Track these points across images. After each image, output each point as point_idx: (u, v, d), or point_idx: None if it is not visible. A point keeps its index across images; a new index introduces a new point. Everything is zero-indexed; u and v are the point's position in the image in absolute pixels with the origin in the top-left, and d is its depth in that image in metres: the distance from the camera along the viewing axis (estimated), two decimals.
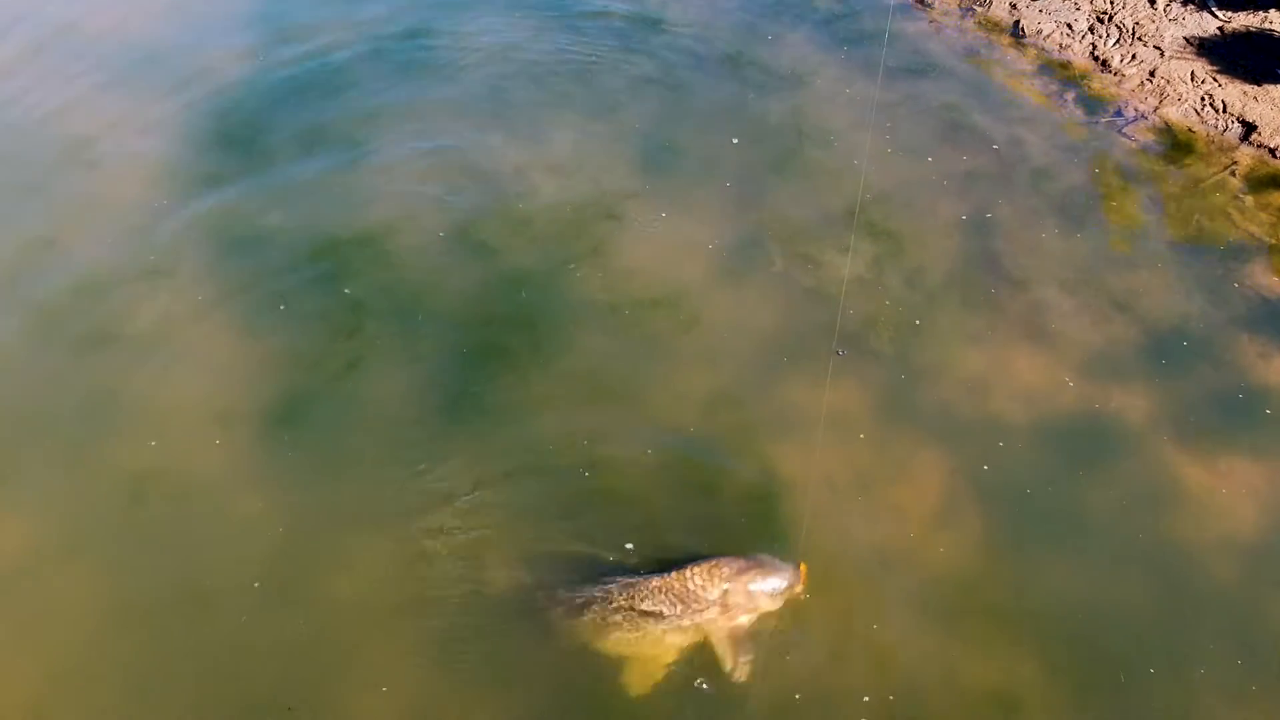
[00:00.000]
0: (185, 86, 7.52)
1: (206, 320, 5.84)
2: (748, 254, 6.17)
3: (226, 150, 6.98)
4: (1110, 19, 7.74)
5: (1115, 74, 7.34)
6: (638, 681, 4.27)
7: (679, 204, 6.49)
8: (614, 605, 4.33)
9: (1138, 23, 7.64)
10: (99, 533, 4.91)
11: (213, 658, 4.46)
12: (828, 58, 7.66)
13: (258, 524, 4.88)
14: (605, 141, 7.00)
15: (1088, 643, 4.48)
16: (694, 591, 4.30)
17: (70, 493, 5.06)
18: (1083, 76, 7.37)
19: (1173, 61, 7.31)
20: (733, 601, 4.30)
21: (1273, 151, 6.61)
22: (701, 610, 4.30)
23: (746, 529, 4.78)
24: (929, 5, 8.17)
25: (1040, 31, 7.77)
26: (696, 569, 4.35)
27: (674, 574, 4.35)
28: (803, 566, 4.42)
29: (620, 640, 4.30)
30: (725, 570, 4.33)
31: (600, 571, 4.58)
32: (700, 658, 4.36)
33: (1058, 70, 7.46)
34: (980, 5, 8.10)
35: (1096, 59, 7.48)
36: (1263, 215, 6.27)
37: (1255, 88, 7.00)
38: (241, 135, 7.10)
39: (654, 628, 4.29)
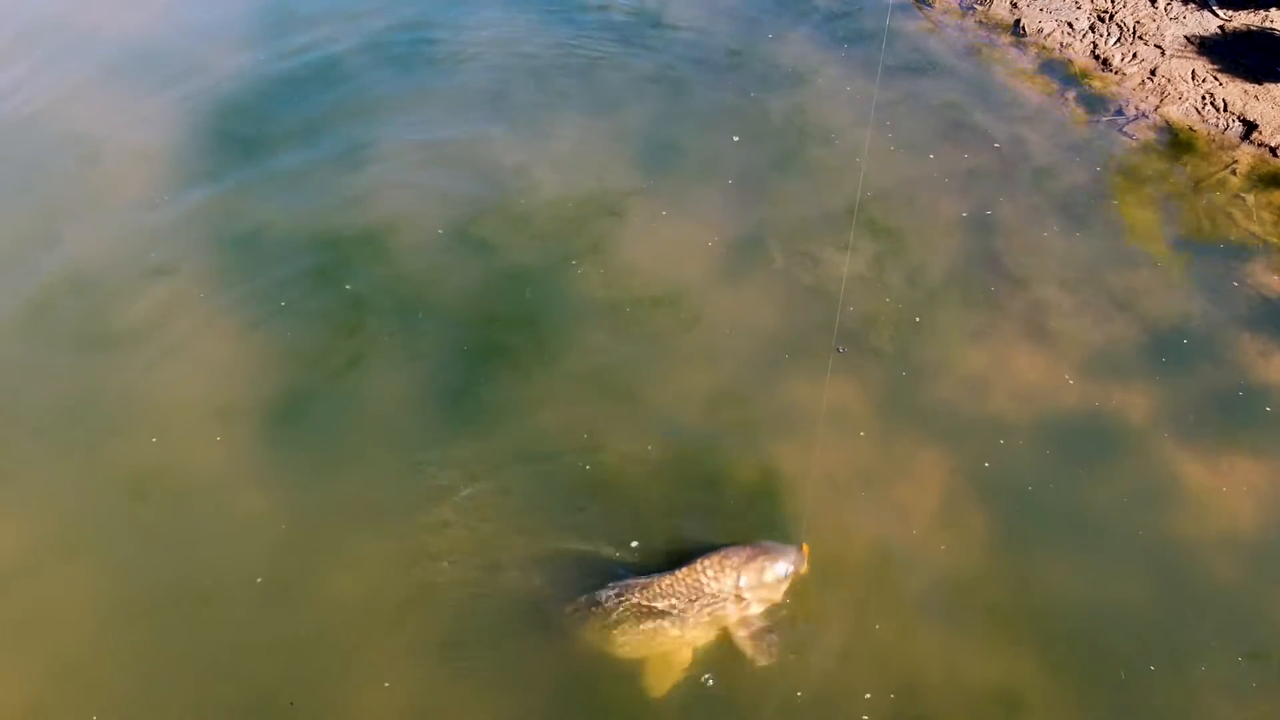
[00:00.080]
0: (184, 83, 7.53)
1: (207, 317, 5.85)
2: (748, 252, 6.17)
3: (227, 147, 6.98)
4: (1111, 18, 7.74)
5: (1116, 73, 7.34)
6: (658, 681, 4.27)
7: (680, 201, 6.49)
8: (627, 607, 4.32)
9: (1138, 21, 7.64)
10: (100, 530, 4.91)
11: (214, 654, 4.46)
12: (828, 56, 7.66)
13: (259, 521, 4.88)
14: (606, 139, 7.00)
15: (1089, 640, 4.48)
16: (706, 584, 4.32)
17: (71, 490, 5.07)
18: (1083, 75, 7.37)
19: (1173, 60, 7.32)
20: (745, 590, 4.33)
21: (1273, 150, 6.61)
22: (716, 602, 4.32)
23: (749, 522, 4.78)
24: (929, 4, 8.17)
25: (1041, 30, 7.77)
26: (706, 562, 4.36)
27: (684, 570, 4.36)
28: (805, 548, 4.47)
29: (638, 642, 4.30)
30: (734, 560, 4.36)
31: (608, 574, 4.57)
32: (708, 653, 4.37)
33: (1059, 69, 7.46)
34: (981, 4, 8.10)
35: (1097, 58, 7.48)
36: (1264, 214, 6.27)
37: (1256, 86, 7.01)
38: (241, 132, 7.10)
39: (670, 626, 4.30)
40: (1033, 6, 7.97)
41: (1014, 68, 7.51)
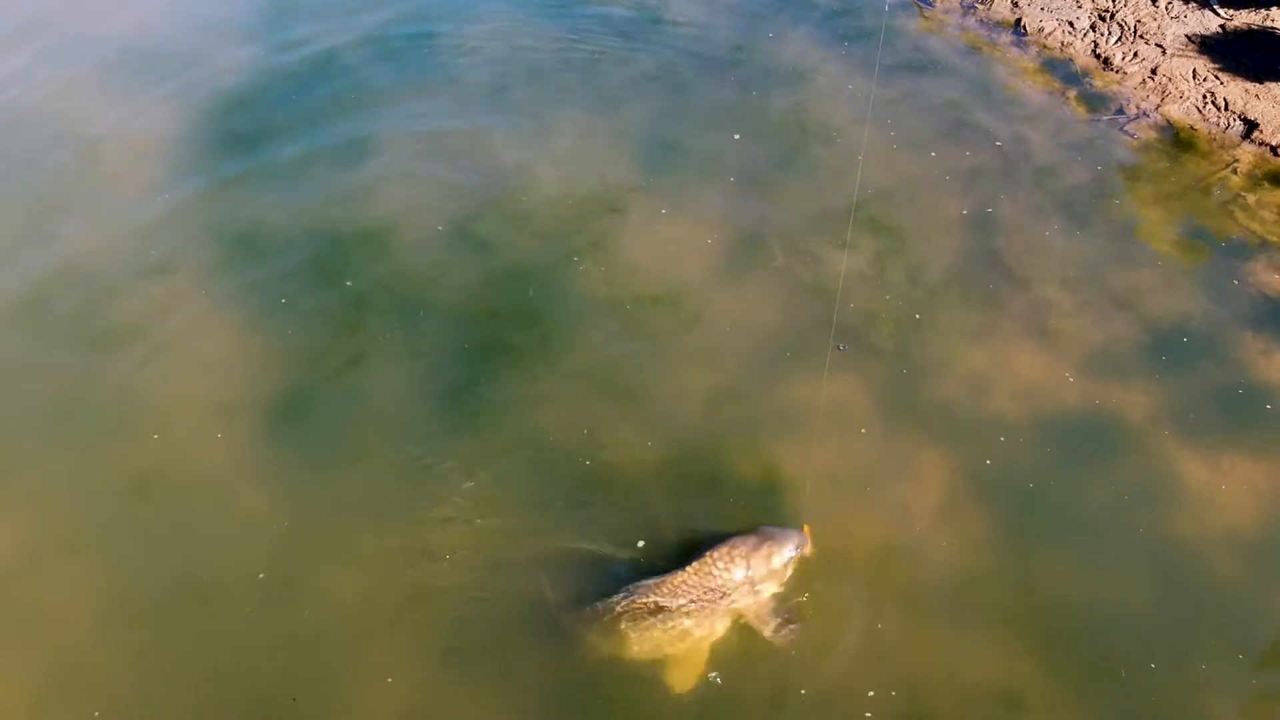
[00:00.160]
0: (183, 78, 7.52)
1: (207, 315, 5.84)
2: (749, 249, 6.17)
3: (226, 144, 6.98)
4: (1112, 17, 7.74)
5: (1117, 72, 7.34)
6: (682, 680, 4.28)
7: (681, 199, 6.50)
8: (642, 609, 4.32)
9: (1139, 20, 7.65)
10: (100, 528, 4.91)
11: (216, 652, 4.46)
12: (829, 55, 7.66)
13: (260, 519, 4.88)
14: (607, 136, 7.00)
15: (1089, 639, 4.48)
16: (718, 576, 4.35)
17: (71, 488, 5.06)
18: (1084, 74, 7.38)
19: (1174, 59, 7.32)
20: (757, 577, 4.37)
21: (1274, 149, 6.61)
22: (730, 593, 4.35)
23: (751, 515, 4.78)
24: (930, 3, 8.17)
25: (1042, 29, 7.77)
26: (714, 555, 4.39)
27: (693, 565, 4.38)
28: (807, 529, 4.53)
29: (657, 643, 4.30)
30: (741, 549, 4.40)
31: (612, 572, 4.58)
32: (715, 650, 4.39)
33: (1059, 68, 7.46)
34: (982, 3, 8.10)
35: (1098, 57, 7.49)
36: (1264, 213, 6.27)
37: (1257, 85, 7.01)
38: (241, 128, 7.10)
39: (688, 622, 4.31)
40: (1033, 5, 7.97)
41: (1015, 66, 7.52)
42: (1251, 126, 6.77)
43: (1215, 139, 6.77)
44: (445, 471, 5.04)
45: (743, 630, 4.45)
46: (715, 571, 4.35)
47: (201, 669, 4.42)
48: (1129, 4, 7.79)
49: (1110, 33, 7.63)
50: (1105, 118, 7.02)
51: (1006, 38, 7.80)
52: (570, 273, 6.03)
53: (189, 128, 7.10)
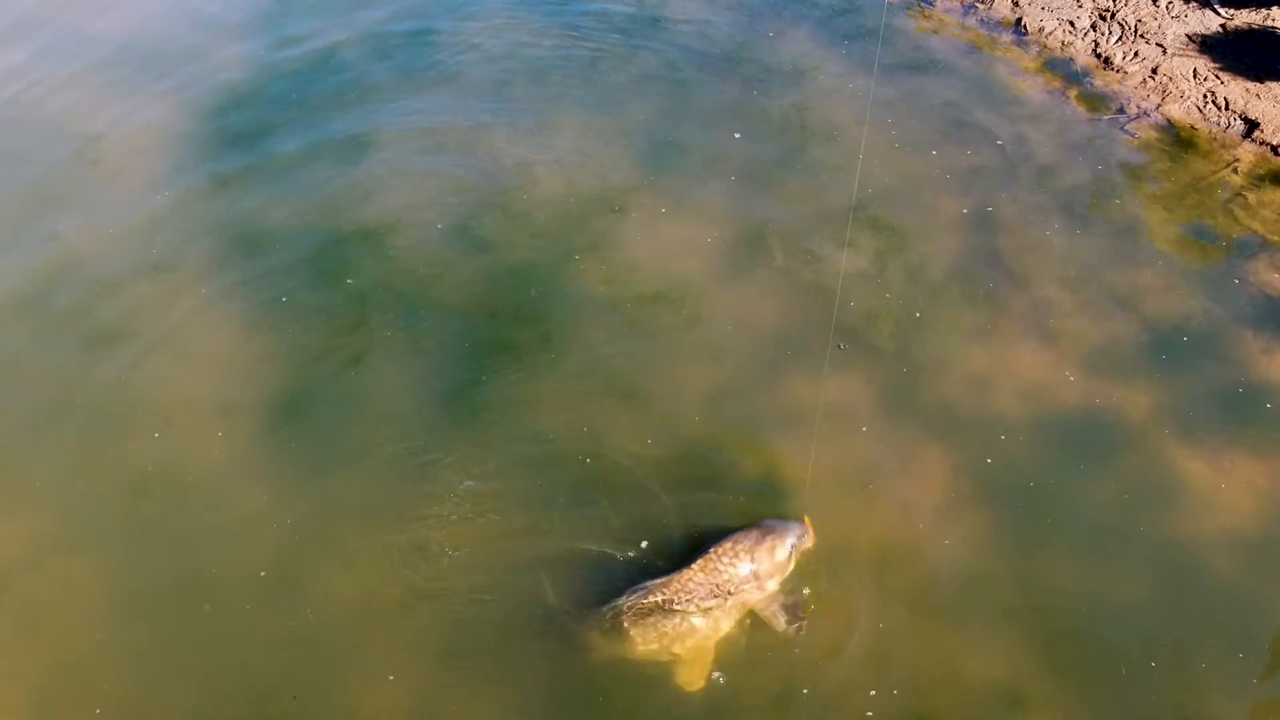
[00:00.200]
0: (185, 79, 7.53)
1: (208, 313, 5.85)
2: (750, 248, 6.17)
3: (228, 145, 6.98)
4: (1112, 16, 7.74)
5: (1118, 71, 7.35)
6: (694, 677, 4.29)
7: (681, 198, 6.50)
8: (650, 610, 4.32)
9: (1140, 20, 7.65)
10: (102, 526, 4.92)
11: (217, 649, 4.47)
12: (829, 53, 7.66)
13: (262, 516, 4.89)
14: (607, 135, 7.00)
15: (1090, 637, 4.48)
16: (724, 572, 4.36)
17: (73, 486, 5.07)
18: (1085, 73, 7.38)
19: (1175, 59, 7.32)
20: (762, 571, 4.39)
21: (1275, 149, 6.61)
22: (737, 588, 4.37)
23: (753, 513, 4.78)
24: (931, 3, 8.17)
25: (1042, 29, 7.78)
26: (718, 550, 4.41)
27: (698, 563, 4.39)
28: (807, 520, 4.57)
29: (667, 643, 4.30)
30: (744, 544, 4.42)
31: (617, 575, 4.58)
32: (723, 647, 4.41)
33: (1060, 67, 7.46)
34: (982, 2, 8.10)
35: (1099, 56, 7.49)
36: (1265, 212, 6.27)
37: (1258, 85, 7.02)
38: (242, 128, 7.10)
39: (697, 620, 4.32)
40: (1034, 5, 7.97)
41: (1015, 66, 7.52)
42: (1252, 126, 6.77)
43: (1216, 138, 6.78)
44: (446, 470, 5.04)
45: (744, 629, 4.46)
46: (721, 567, 4.37)
47: (202, 667, 4.43)
48: (1129, 3, 7.79)
49: (1111, 32, 7.63)
50: (1106, 117, 7.02)
51: (1007, 37, 7.80)
52: (571, 271, 6.03)
53: (188, 125, 7.10)
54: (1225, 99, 6.95)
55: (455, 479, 5.01)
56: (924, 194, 6.49)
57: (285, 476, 5.06)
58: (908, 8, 8.12)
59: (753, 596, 4.42)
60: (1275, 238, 6.13)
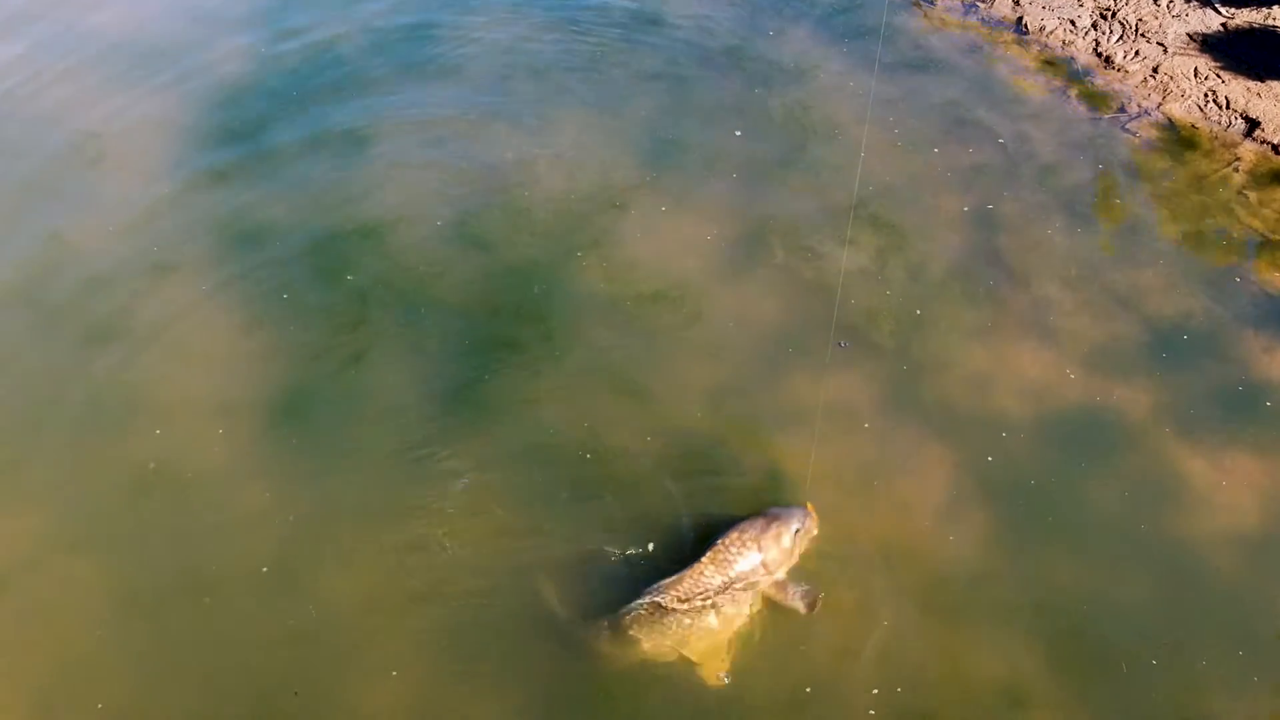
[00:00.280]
0: (188, 81, 7.50)
1: (209, 311, 5.84)
2: (751, 246, 6.17)
3: (228, 142, 6.97)
4: (1113, 15, 7.75)
5: (1119, 70, 7.35)
6: (715, 669, 4.30)
7: (682, 196, 6.50)
8: (667, 609, 4.32)
9: (1141, 19, 7.65)
10: (104, 523, 4.91)
11: (219, 645, 4.47)
12: (830, 52, 7.66)
13: (264, 514, 4.88)
14: (608, 133, 6.99)
15: (1091, 635, 4.49)
16: (732, 564, 4.38)
17: (74, 484, 5.06)
18: (1086, 72, 7.38)
19: (1176, 58, 7.33)
20: (770, 559, 4.42)
21: (1276, 148, 6.62)
22: (748, 578, 4.39)
23: (754, 508, 4.77)
24: (931, 1, 8.17)
25: (1043, 28, 7.78)
26: (725, 542, 4.43)
27: (707, 555, 4.40)
28: (810, 506, 4.61)
29: (688, 640, 4.31)
30: (751, 534, 4.45)
31: (621, 576, 4.59)
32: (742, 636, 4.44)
33: (1061, 66, 7.46)
34: (983, 1, 8.10)
35: (1100, 55, 7.49)
36: (1266, 211, 6.28)
37: (1258, 84, 7.02)
38: (243, 127, 7.08)
39: (712, 614, 4.33)
40: (1034, 4, 7.97)
41: (1016, 65, 7.52)
42: (1253, 125, 6.78)
43: (1217, 137, 6.78)
44: (448, 467, 5.04)
45: (746, 628, 4.46)
46: (730, 558, 4.39)
47: (203, 664, 4.42)
48: (1130, 2, 7.79)
49: (1111, 31, 7.63)
50: (1107, 116, 7.03)
51: (1008, 36, 7.80)
52: (572, 268, 6.03)
53: (186, 120, 7.09)
54: (1226, 98, 6.96)
55: (457, 476, 5.00)
56: (925, 192, 6.49)
57: (286, 474, 5.05)
58: (908, 6, 8.12)
59: (762, 583, 4.45)
60: (1276, 236, 6.14)
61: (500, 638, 4.48)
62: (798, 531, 4.52)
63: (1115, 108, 7.08)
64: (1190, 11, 7.63)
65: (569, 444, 5.14)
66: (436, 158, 6.80)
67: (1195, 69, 7.20)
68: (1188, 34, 7.48)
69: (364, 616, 4.55)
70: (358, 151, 6.85)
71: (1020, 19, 7.88)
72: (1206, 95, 7.02)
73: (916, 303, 5.81)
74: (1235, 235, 6.17)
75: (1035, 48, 7.66)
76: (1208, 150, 6.71)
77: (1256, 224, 6.22)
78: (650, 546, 4.71)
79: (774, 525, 4.49)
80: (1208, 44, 7.37)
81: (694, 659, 4.32)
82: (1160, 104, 7.05)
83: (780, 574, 4.48)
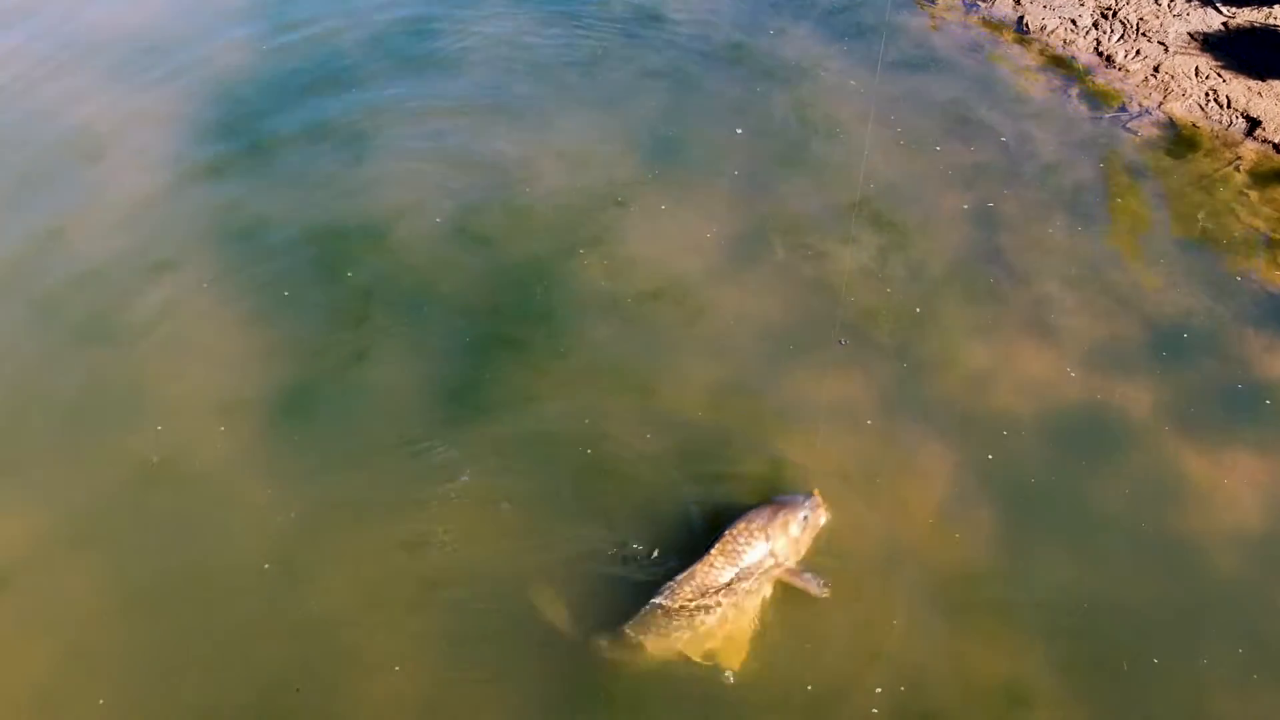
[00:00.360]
0: (186, 75, 7.49)
1: (210, 308, 5.83)
2: (753, 244, 6.17)
3: (228, 139, 6.96)
4: (1114, 14, 7.75)
5: (1120, 69, 7.35)
6: (735, 658, 4.30)
7: (684, 194, 6.50)
8: (681, 604, 4.31)
9: (1141, 18, 7.66)
10: (106, 519, 4.90)
11: (221, 640, 4.46)
12: (830, 51, 7.67)
13: (266, 510, 4.87)
14: (609, 130, 6.99)
15: (1092, 633, 4.49)
16: (742, 554, 4.39)
17: (77, 481, 5.05)
18: (1087, 72, 7.39)
19: (1177, 57, 7.33)
20: (779, 548, 4.44)
21: (1276, 147, 6.63)
22: (759, 567, 4.41)
23: (760, 494, 4.80)
24: (932, 1, 8.17)
25: (1044, 27, 7.78)
26: (733, 532, 4.43)
27: (716, 547, 4.40)
28: (817, 492, 4.61)
29: (704, 633, 4.31)
30: (759, 523, 4.46)
31: (628, 572, 4.59)
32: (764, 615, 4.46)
33: (1062, 66, 7.47)
34: (984, 1, 8.11)
35: (1101, 54, 7.50)
36: (1267, 210, 6.29)
37: (1259, 83, 7.03)
38: (243, 124, 7.07)
39: (728, 606, 4.34)
40: (1035, 3, 7.98)
41: (1017, 64, 7.53)
42: (1254, 124, 6.79)
43: (1218, 136, 6.79)
44: (450, 464, 5.03)
45: (761, 617, 4.46)
46: (739, 548, 4.39)
47: (205, 659, 4.42)
48: (1131, 1, 7.80)
49: (1113, 30, 7.64)
50: (1108, 115, 7.03)
51: (1009, 35, 7.81)
52: (574, 266, 6.03)
53: (192, 125, 7.07)
54: (1227, 97, 6.97)
55: (458, 472, 5.00)
56: (927, 190, 6.50)
57: (287, 471, 5.05)
58: (910, 4, 8.12)
59: (773, 571, 4.46)
60: (1276, 235, 6.14)
61: (503, 633, 4.47)
62: (806, 519, 4.52)
63: (1116, 107, 7.09)
64: (1191, 11, 7.64)
65: (570, 440, 5.13)
66: (437, 154, 6.80)
67: (1196, 68, 7.21)
68: (1189, 33, 7.49)
69: (366, 612, 4.54)
70: (358, 147, 6.85)
71: (1021, 18, 7.89)
72: (1207, 94, 7.03)
73: (918, 300, 5.82)
74: (1236, 234, 6.17)
75: (1036, 47, 7.67)
76: (1209, 149, 6.71)
77: (1257, 223, 6.23)
78: (655, 553, 4.69)
79: (782, 514, 4.49)
80: (1209, 43, 7.38)
81: (708, 655, 4.31)
82: (1161, 103, 7.05)
83: (790, 562, 4.48)
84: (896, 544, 4.76)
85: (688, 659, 4.31)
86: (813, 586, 4.47)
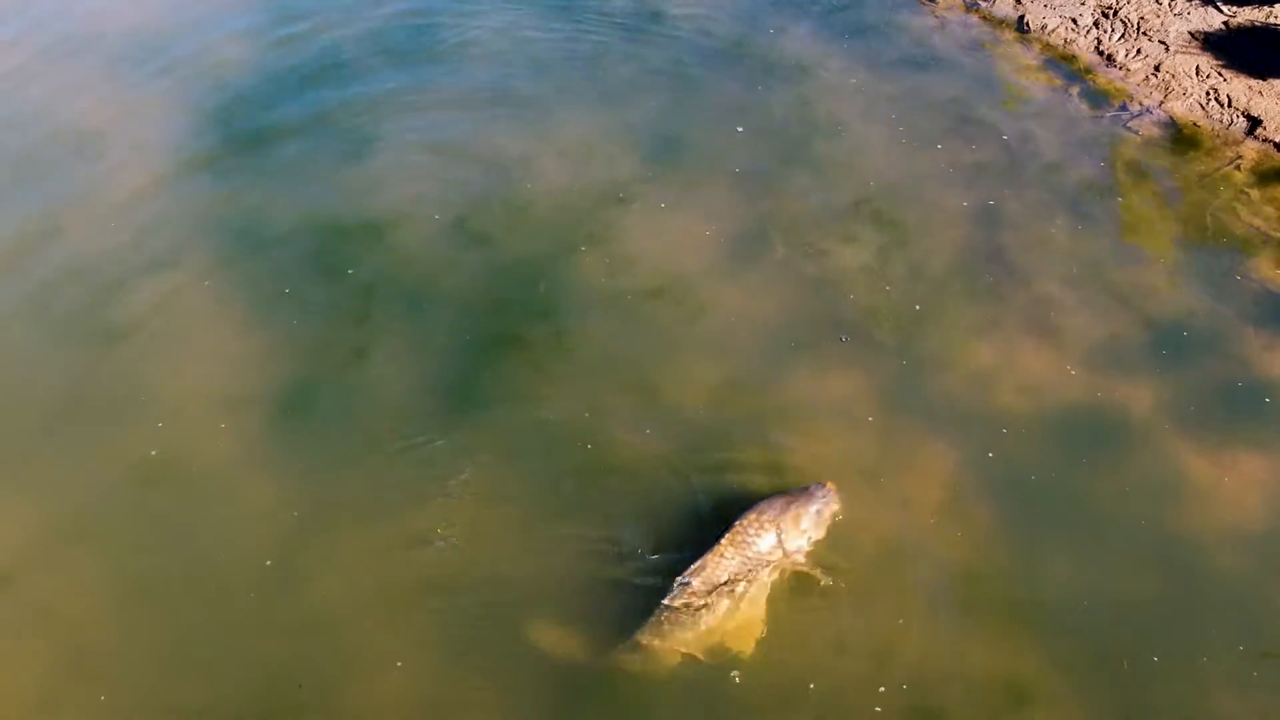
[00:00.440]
0: (186, 74, 7.49)
1: (211, 306, 5.83)
2: (753, 242, 6.17)
3: (228, 137, 6.95)
4: (1115, 13, 7.75)
5: (1120, 68, 7.36)
6: (748, 646, 4.31)
7: (685, 192, 6.50)
8: (691, 602, 4.31)
9: (1142, 17, 7.66)
10: (107, 517, 4.90)
11: (223, 638, 4.45)
12: (831, 49, 7.67)
13: (268, 508, 4.87)
14: (610, 128, 6.99)
15: (1092, 632, 4.49)
16: (753, 545, 4.39)
17: (78, 480, 5.04)
18: (1088, 71, 7.39)
19: (1178, 56, 7.34)
20: (789, 540, 4.44)
21: (1277, 146, 6.64)
22: (768, 557, 4.41)
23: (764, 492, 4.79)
24: (933, 0, 8.18)
25: (1045, 26, 7.78)
26: (743, 525, 4.42)
27: (725, 538, 4.40)
28: (830, 484, 4.61)
29: (715, 628, 4.30)
30: (770, 514, 4.46)
31: (629, 571, 4.59)
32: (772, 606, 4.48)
33: (1063, 65, 7.47)
34: (984, 0, 8.12)
35: (1101, 53, 7.50)
36: (1268, 209, 6.30)
37: (1260, 82, 7.03)
38: (243, 122, 7.07)
39: (740, 595, 4.34)
40: (1036, 2, 7.98)
41: (1018, 63, 7.53)
42: (1255, 123, 6.79)
43: (1218, 135, 6.80)
44: (452, 461, 5.03)
45: (770, 608, 4.47)
46: (749, 539, 4.39)
47: (207, 656, 4.42)
48: (1132, 1, 7.80)
49: (1113, 29, 7.64)
50: (1108, 114, 7.04)
51: (1009, 34, 7.81)
52: (575, 264, 6.02)
53: (192, 124, 7.06)
54: (1228, 96, 6.97)
55: (460, 470, 5.00)
56: (927, 189, 6.50)
57: (290, 468, 5.04)
58: (910, 3, 8.12)
59: (783, 562, 4.46)
60: (1277, 234, 6.15)
61: (505, 630, 4.47)
62: (818, 511, 4.52)
63: (1117, 106, 7.09)
64: (1192, 10, 7.65)
65: (572, 437, 5.13)
66: (438, 153, 6.79)
67: (1197, 67, 7.22)
68: (1189, 32, 7.49)
69: (368, 609, 4.54)
70: (359, 144, 6.84)
71: (1022, 17, 7.89)
72: (1208, 93, 7.03)
73: (918, 299, 5.82)
74: (1237, 233, 6.18)
75: (1037, 46, 7.67)
76: (1209, 148, 6.72)
77: (1258, 222, 6.24)
78: (658, 549, 4.69)
79: (793, 506, 4.49)
80: (1209, 42, 7.38)
81: (718, 649, 4.31)
82: (1162, 102, 7.06)
83: (801, 555, 4.48)
84: (898, 542, 4.76)
85: (696, 657, 4.31)
86: (821, 574, 4.49)
